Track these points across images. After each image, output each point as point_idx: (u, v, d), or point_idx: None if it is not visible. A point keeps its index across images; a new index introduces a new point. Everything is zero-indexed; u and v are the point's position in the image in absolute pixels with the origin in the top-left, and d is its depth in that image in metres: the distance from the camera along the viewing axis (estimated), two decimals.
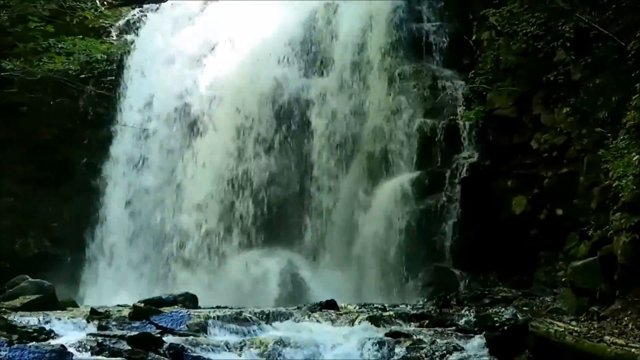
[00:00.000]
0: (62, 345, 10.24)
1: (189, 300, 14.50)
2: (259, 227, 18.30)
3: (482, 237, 16.40)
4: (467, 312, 13.18)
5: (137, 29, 20.79)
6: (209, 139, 19.14)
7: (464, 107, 17.67)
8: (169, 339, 11.05)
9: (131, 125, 19.42)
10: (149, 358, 10.34)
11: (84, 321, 12.24)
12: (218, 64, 19.70)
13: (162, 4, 21.35)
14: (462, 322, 12.47)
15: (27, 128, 19.62)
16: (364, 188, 17.86)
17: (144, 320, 12.13)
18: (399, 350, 11.05)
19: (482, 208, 16.76)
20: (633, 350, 9.53)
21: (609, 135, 13.96)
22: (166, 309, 12.94)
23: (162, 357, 10.44)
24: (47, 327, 11.70)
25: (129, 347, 10.58)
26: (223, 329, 11.91)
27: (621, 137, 13.08)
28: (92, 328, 11.88)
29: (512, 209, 16.74)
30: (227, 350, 10.99)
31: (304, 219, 18.20)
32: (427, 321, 12.72)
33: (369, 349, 11.08)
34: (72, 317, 12.55)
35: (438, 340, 11.36)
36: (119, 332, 11.37)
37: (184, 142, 19.26)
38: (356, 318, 12.71)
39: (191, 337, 11.30)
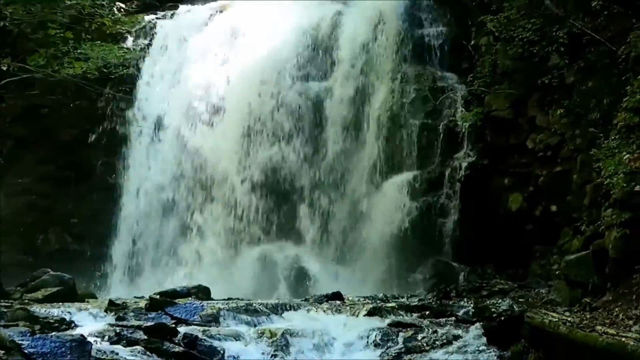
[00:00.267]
0: (82, 335, 10.26)
1: (202, 292, 14.39)
2: (267, 222, 18.50)
3: (481, 232, 16.62)
4: (466, 303, 13.31)
5: (152, 35, 20.87)
6: (222, 137, 19.33)
7: (463, 109, 17.89)
8: (183, 329, 11.20)
9: (147, 127, 19.59)
10: (165, 347, 10.47)
11: (103, 312, 12.37)
12: (230, 68, 19.86)
13: (176, 10, 21.42)
14: (461, 312, 12.59)
15: (48, 129, 19.92)
16: (368, 185, 18.07)
17: (159, 312, 12.26)
18: (401, 339, 11.28)
19: (480, 205, 16.97)
20: (623, 339, 9.56)
21: (601, 135, 14.27)
22: (180, 301, 12.96)
23: (177, 346, 10.55)
24: (68, 317, 11.79)
25: (146, 337, 10.74)
26: (235, 319, 12.01)
27: (612, 137, 13.32)
28: (111, 319, 12.01)
29: (509, 206, 16.98)
30: (239, 339, 11.12)
31: (310, 215, 18.37)
32: (428, 312, 12.85)
33: (373, 338, 11.26)
34: (92, 309, 12.63)
35: (438, 329, 11.59)
36: (135, 323, 11.51)
37: (197, 141, 19.41)
38: (361, 309, 12.79)
39: (204, 327, 11.46)
